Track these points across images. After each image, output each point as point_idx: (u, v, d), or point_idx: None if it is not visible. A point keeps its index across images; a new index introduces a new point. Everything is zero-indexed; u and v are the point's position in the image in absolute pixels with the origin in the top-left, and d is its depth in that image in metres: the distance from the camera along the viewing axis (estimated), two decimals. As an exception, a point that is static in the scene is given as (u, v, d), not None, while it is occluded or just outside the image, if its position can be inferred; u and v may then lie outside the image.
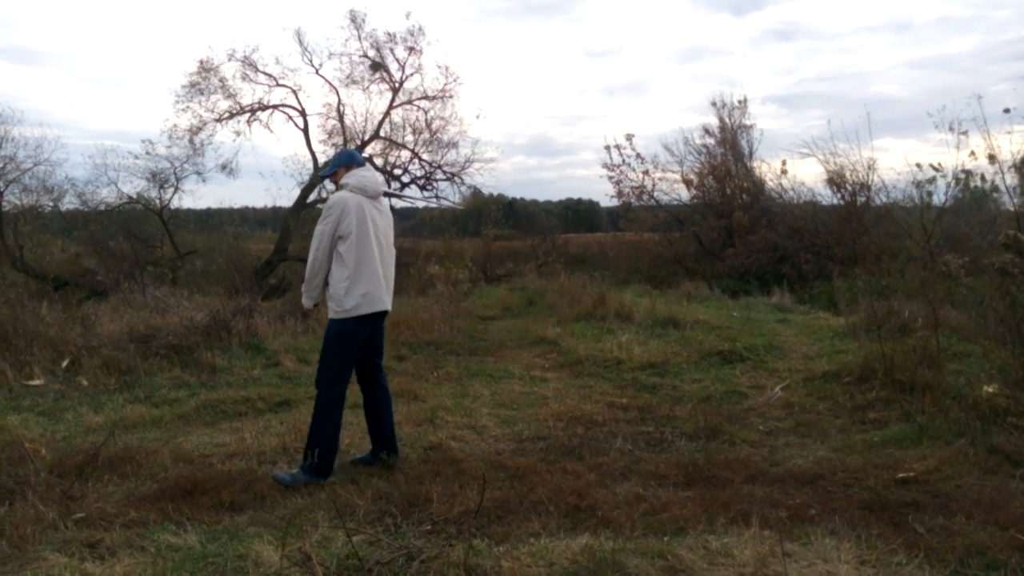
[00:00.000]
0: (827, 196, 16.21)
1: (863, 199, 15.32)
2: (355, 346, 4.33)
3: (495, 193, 24.44)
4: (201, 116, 19.98)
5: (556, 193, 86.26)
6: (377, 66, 21.03)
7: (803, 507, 3.63)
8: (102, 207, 18.11)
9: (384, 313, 4.44)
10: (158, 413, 5.78)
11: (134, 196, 18.26)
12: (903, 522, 3.42)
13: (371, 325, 4.37)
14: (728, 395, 6.15)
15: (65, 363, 7.01)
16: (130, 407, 5.92)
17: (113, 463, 4.38)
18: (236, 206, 19.72)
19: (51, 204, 17.55)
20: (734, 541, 3.12)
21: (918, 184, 13.71)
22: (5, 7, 48.85)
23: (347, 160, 4.58)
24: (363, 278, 4.25)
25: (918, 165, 13.75)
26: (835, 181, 15.53)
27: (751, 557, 2.94)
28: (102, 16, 55.61)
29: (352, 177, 4.40)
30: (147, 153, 18.58)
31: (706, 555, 3.01)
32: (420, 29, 20.92)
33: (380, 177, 4.55)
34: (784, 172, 16.95)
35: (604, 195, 28.73)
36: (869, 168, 15.07)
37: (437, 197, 22.52)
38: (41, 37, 59.16)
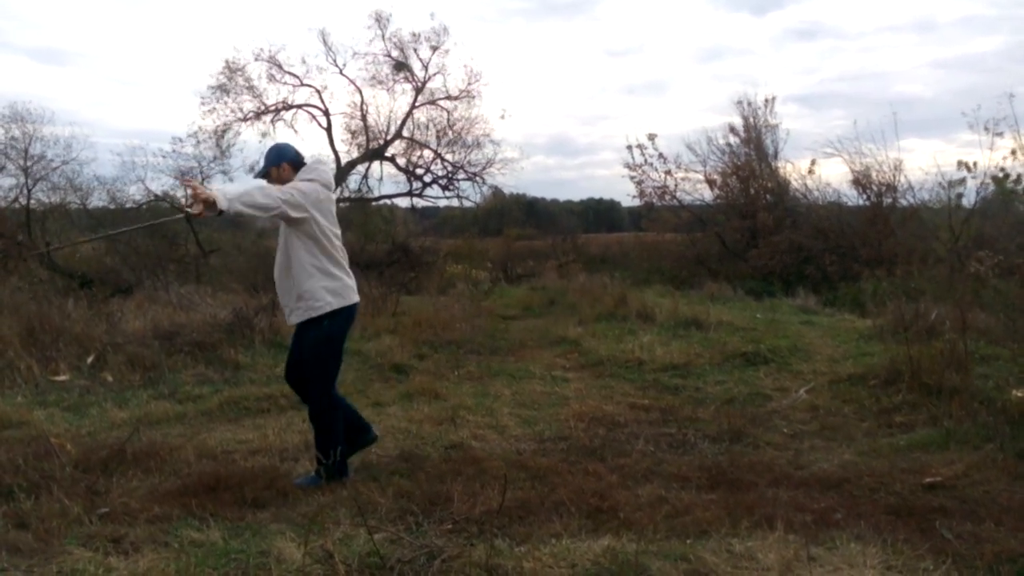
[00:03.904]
0: (852, 197, 16.04)
1: (889, 200, 15.14)
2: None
3: (516, 193, 24.48)
4: (226, 117, 20.24)
5: (577, 193, 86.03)
6: (401, 66, 21.16)
7: (828, 511, 3.58)
8: (129, 205, 18.34)
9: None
10: (182, 409, 5.82)
11: (160, 194, 18.48)
12: (930, 527, 3.35)
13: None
14: (752, 397, 6.09)
15: (90, 359, 7.08)
16: (154, 403, 5.97)
17: (137, 459, 4.41)
18: (260, 204, 19.78)
19: (78, 202, 17.78)
20: (758, 545, 3.08)
21: (948, 184, 13.53)
22: (37, 9, 49.60)
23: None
24: None
25: (961, 163, 13.51)
26: (860, 182, 15.36)
27: (775, 561, 2.91)
28: (129, 16, 56.18)
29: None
30: (174, 151, 18.84)
31: (730, 558, 2.98)
32: (444, 29, 21.07)
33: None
34: (812, 172, 16.78)
35: (625, 195, 28.60)
36: (895, 169, 14.90)
37: (459, 197, 22.62)
38: (70, 38, 59.89)
